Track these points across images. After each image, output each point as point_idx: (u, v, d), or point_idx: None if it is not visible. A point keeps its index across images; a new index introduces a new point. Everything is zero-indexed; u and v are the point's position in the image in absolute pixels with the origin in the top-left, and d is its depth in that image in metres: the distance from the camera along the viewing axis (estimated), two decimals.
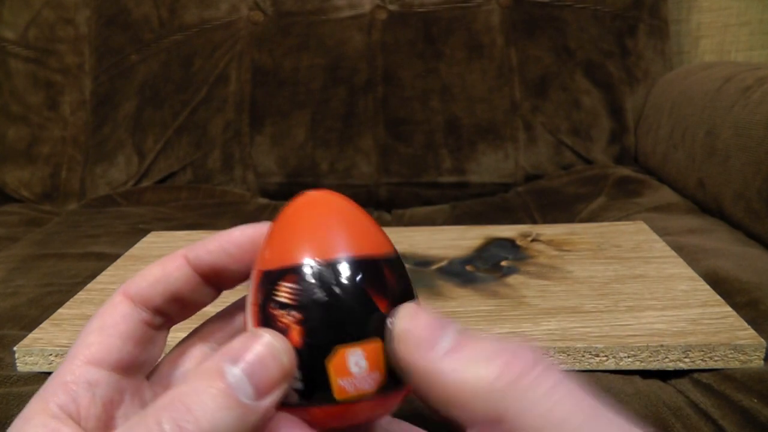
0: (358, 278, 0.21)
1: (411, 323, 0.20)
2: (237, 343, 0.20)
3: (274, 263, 0.22)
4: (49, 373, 0.45)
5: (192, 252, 0.24)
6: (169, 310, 0.25)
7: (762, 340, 0.42)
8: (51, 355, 0.45)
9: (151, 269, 0.24)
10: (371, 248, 0.22)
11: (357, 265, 0.21)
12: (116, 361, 0.23)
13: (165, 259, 0.24)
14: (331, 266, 0.21)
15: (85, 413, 0.22)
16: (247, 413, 0.19)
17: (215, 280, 0.25)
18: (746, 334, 0.42)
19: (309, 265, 0.21)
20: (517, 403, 0.18)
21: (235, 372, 0.19)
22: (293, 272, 0.21)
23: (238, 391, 0.19)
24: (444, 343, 0.19)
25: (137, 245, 0.65)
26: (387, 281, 0.22)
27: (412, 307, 0.21)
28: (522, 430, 0.18)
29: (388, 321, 0.21)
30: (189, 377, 0.20)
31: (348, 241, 0.22)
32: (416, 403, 0.22)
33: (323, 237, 0.22)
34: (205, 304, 0.26)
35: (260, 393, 0.19)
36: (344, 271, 0.21)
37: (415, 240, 0.63)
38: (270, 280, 0.22)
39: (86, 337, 0.23)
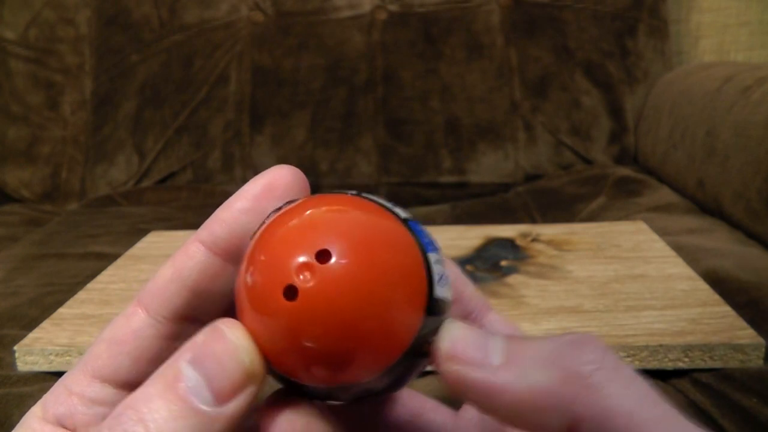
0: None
1: (456, 342, 0.18)
2: (199, 337, 0.18)
3: None
4: (50, 373, 0.45)
5: (204, 231, 0.20)
6: (195, 312, 0.20)
7: (761, 339, 0.42)
8: (51, 354, 0.45)
9: (162, 269, 0.21)
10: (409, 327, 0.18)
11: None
12: (124, 381, 0.20)
13: (176, 252, 0.21)
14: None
15: (83, 431, 0.20)
16: (206, 422, 0.17)
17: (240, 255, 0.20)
18: (746, 333, 0.42)
19: None
20: (595, 403, 0.16)
21: (191, 374, 0.17)
22: None
23: (195, 397, 0.17)
24: (496, 355, 0.17)
25: (137, 245, 0.65)
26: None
27: (452, 325, 0.19)
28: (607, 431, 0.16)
29: (435, 344, 0.19)
30: (148, 379, 0.17)
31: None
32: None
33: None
34: None
35: (220, 399, 0.17)
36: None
37: None
38: None
39: (97, 345, 0.21)
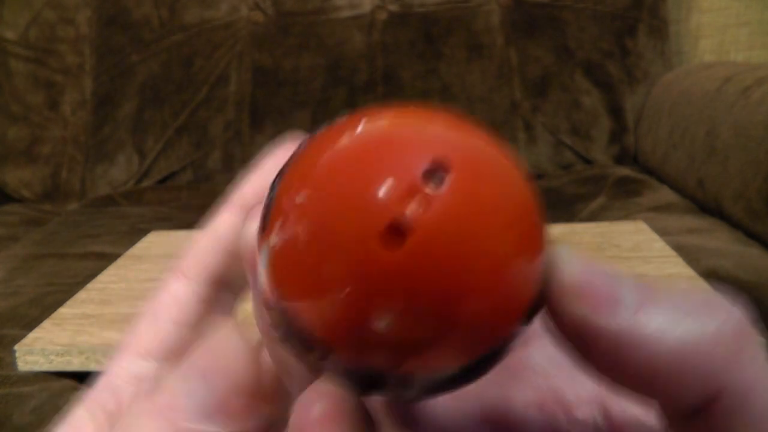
0: None
1: (585, 276, 0.14)
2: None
3: None
4: (50, 373, 0.45)
5: (237, 196, 0.18)
6: (233, 277, 0.19)
7: (762, 339, 0.42)
8: (51, 354, 0.45)
9: (198, 238, 0.20)
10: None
11: None
12: (167, 349, 0.19)
13: (211, 221, 0.19)
14: None
15: None
16: None
17: None
18: None
19: None
20: (744, 373, 0.13)
21: (179, 389, 0.14)
22: None
23: (179, 412, 0.14)
24: (629, 298, 0.13)
25: (137, 245, 0.65)
26: None
27: (571, 253, 0.14)
28: (746, 411, 0.13)
29: (553, 278, 0.14)
30: (139, 395, 0.15)
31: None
32: None
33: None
34: None
35: (209, 415, 0.14)
36: None
37: None
38: None
39: (135, 326, 0.20)
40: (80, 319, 0.49)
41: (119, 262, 0.61)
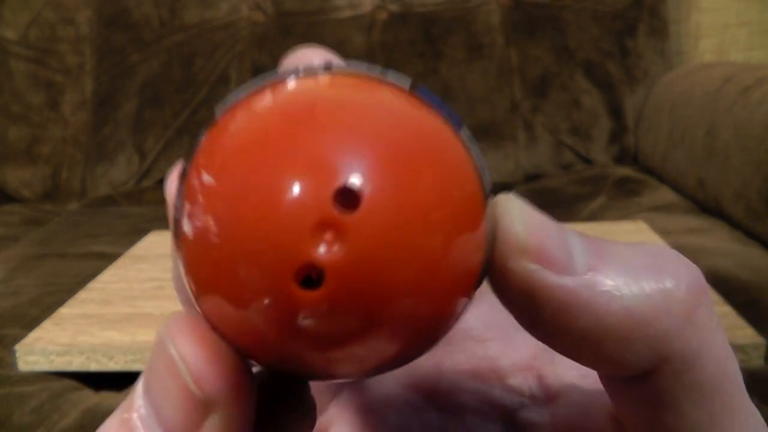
0: None
1: (534, 231, 0.13)
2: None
3: None
4: (50, 373, 0.46)
5: None
6: None
7: (762, 339, 0.42)
8: (52, 354, 0.45)
9: None
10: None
11: None
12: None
13: None
14: None
15: None
16: None
17: None
18: (746, 333, 0.42)
19: None
20: (693, 340, 0.12)
21: (141, 402, 0.13)
22: None
23: (137, 425, 0.13)
24: (579, 257, 0.12)
25: (138, 245, 0.65)
26: None
27: (518, 204, 0.13)
28: (692, 377, 0.12)
29: (502, 230, 0.12)
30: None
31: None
32: None
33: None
34: None
35: (163, 428, 0.13)
36: None
37: None
38: None
39: None
40: (80, 319, 0.49)
41: (119, 262, 0.61)
